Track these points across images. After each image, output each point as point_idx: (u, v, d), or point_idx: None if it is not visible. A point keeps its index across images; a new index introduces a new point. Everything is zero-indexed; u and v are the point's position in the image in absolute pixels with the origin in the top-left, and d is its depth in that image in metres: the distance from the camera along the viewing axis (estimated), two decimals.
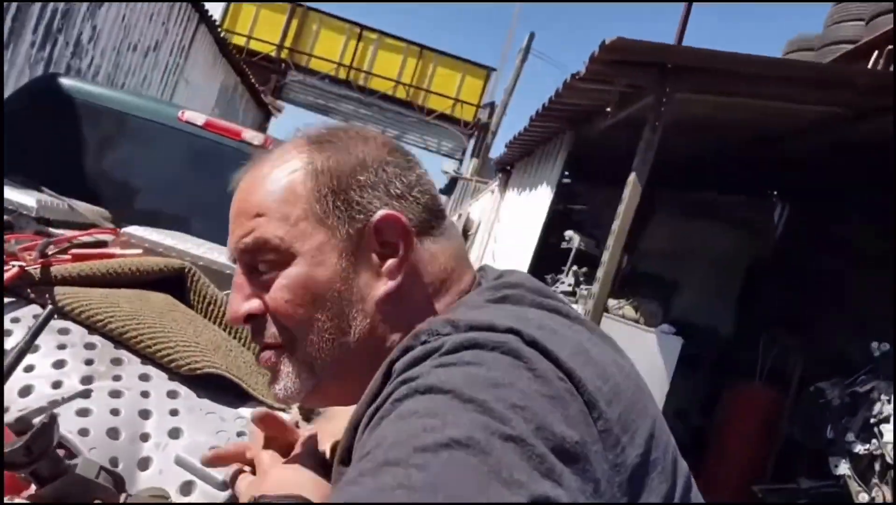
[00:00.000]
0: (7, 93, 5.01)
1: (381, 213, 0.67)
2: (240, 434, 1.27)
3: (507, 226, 5.92)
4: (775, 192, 5.79)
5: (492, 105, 14.09)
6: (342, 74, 14.08)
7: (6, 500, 0.89)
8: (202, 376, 1.31)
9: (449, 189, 14.15)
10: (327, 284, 0.67)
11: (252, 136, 2.43)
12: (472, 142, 14.28)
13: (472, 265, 0.76)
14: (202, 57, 8.78)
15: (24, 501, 0.89)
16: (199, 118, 2.42)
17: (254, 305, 0.69)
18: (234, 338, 1.46)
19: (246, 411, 1.34)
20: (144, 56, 7.18)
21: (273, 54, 13.81)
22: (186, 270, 1.54)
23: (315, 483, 0.67)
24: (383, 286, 0.67)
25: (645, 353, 3.93)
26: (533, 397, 0.51)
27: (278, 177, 0.69)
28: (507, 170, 6.63)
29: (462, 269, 0.73)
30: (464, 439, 0.45)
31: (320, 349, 0.68)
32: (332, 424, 0.89)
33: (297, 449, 0.74)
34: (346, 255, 0.67)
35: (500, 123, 13.15)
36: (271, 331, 0.69)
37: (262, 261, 0.69)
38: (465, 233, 8.22)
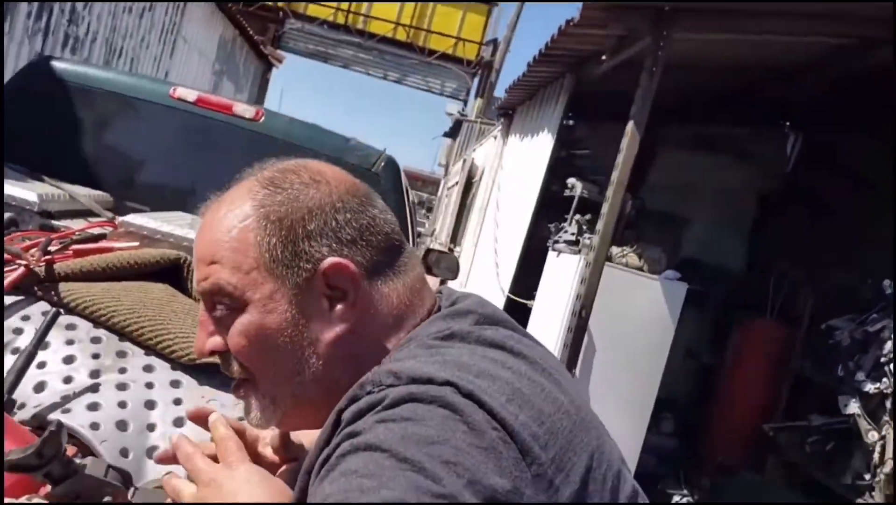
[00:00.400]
0: (7, 69, 5.03)
1: (328, 261, 0.70)
2: (240, 419, 1.35)
3: (509, 173, 5.89)
4: (787, 123, 5.67)
5: (495, 42, 13.74)
6: (340, 19, 13.77)
7: (24, 499, 0.96)
8: (202, 364, 1.38)
9: (454, 132, 14.00)
10: (278, 330, 0.70)
11: (243, 109, 2.44)
12: (476, 81, 14.03)
13: (431, 292, 0.78)
14: (198, 12, 8.64)
15: (42, 501, 0.96)
16: (191, 95, 2.43)
17: (216, 342, 0.74)
18: None
19: None
20: (140, 17, 7.09)
21: (270, 3, 13.52)
22: (182, 260, 1.60)
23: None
24: (334, 330, 0.71)
25: (649, 300, 3.96)
26: (466, 452, 0.55)
27: (231, 224, 0.72)
28: (510, 114, 6.55)
29: (420, 300, 0.75)
30: (396, 501, 0.51)
31: (278, 388, 0.73)
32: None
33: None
34: (296, 302, 0.70)
35: (504, 61, 12.90)
36: (236, 368, 0.75)
37: (219, 304, 0.73)
38: (470, 180, 8.17)
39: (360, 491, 0.52)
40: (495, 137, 7.35)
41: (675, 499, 4.56)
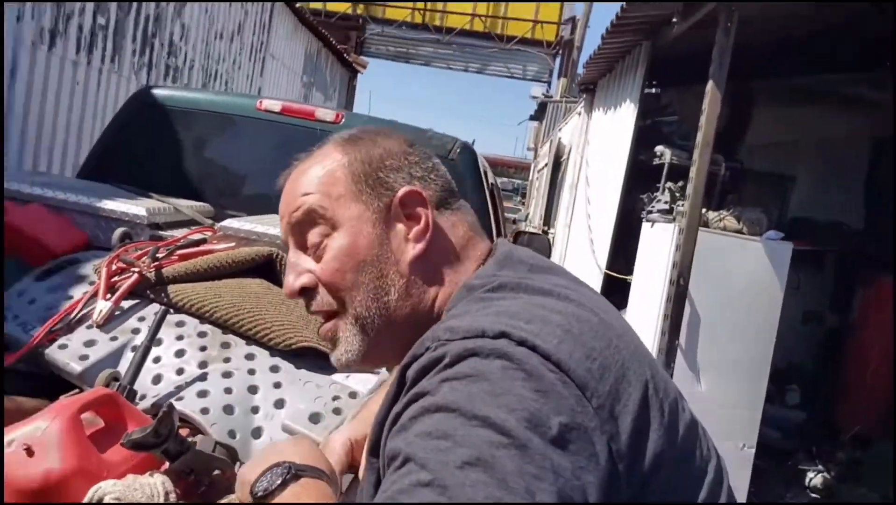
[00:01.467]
0: (119, 103, 5.48)
1: (405, 188, 0.80)
2: (335, 398, 1.44)
3: (596, 148, 5.77)
4: (890, 63, 5.20)
5: (573, 20, 13.46)
6: (418, 18, 13.98)
7: (147, 475, 1.08)
8: (298, 350, 1.49)
9: (539, 114, 13.81)
10: (367, 249, 0.79)
11: (324, 113, 2.55)
12: (558, 61, 13.80)
13: (484, 239, 0.85)
14: (283, 30, 9.04)
15: (161, 475, 1.07)
16: (276, 105, 2.56)
17: (305, 279, 0.81)
18: None
19: (339, 377, 1.51)
20: (231, 41, 7.52)
21: (349, 12, 13.91)
22: (274, 255, 1.71)
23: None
24: (413, 249, 0.79)
25: (752, 264, 3.76)
26: (528, 398, 0.58)
27: (321, 167, 0.82)
28: (591, 89, 6.41)
29: (477, 238, 0.84)
30: (473, 460, 0.55)
31: (368, 308, 0.79)
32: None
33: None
34: (379, 224, 0.79)
35: (585, 38, 12.59)
36: (325, 300, 0.81)
37: (311, 233, 0.81)
38: (558, 159, 8.06)
39: (437, 451, 0.56)
40: (579, 114, 7.23)
41: (810, 476, 4.25)
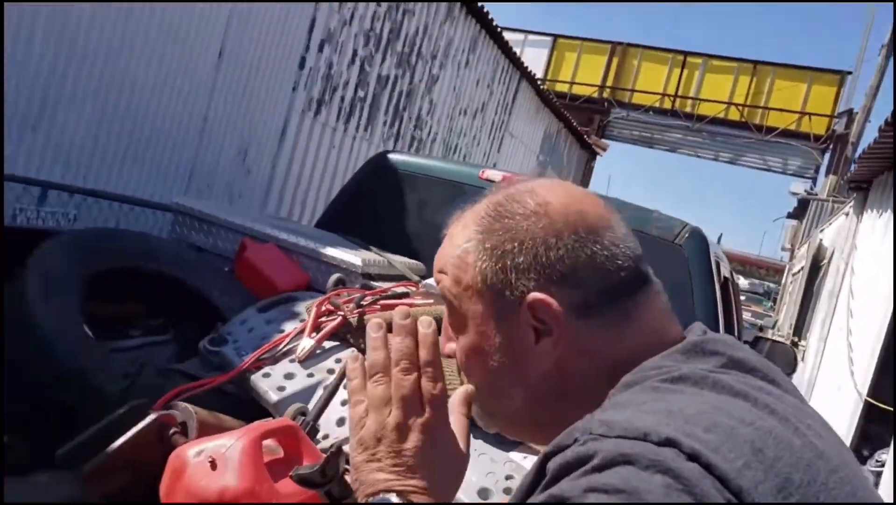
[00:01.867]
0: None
1: (532, 296, 0.69)
2: (508, 477, 1.33)
3: (865, 255, 5.00)
4: None
5: (849, 113, 12.17)
6: (667, 104, 13.75)
7: None
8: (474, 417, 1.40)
9: (799, 213, 12.56)
10: (487, 354, 0.72)
11: None
12: (827, 157, 12.51)
13: (673, 329, 0.71)
14: (524, 110, 9.45)
15: None
16: (497, 175, 2.60)
17: (451, 348, 0.77)
18: None
19: (516, 456, 1.39)
20: (473, 118, 8.05)
21: (595, 95, 14.16)
22: None
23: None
24: (540, 365, 0.69)
25: None
26: None
27: (458, 242, 0.75)
28: (864, 188, 5.63)
29: (655, 340, 0.68)
30: None
31: (487, 405, 0.75)
32: None
33: None
34: (501, 329, 0.71)
35: (862, 133, 11.26)
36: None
37: (446, 314, 0.77)
38: (817, 263, 7.17)
39: None
40: (846, 215, 6.41)
41: None
